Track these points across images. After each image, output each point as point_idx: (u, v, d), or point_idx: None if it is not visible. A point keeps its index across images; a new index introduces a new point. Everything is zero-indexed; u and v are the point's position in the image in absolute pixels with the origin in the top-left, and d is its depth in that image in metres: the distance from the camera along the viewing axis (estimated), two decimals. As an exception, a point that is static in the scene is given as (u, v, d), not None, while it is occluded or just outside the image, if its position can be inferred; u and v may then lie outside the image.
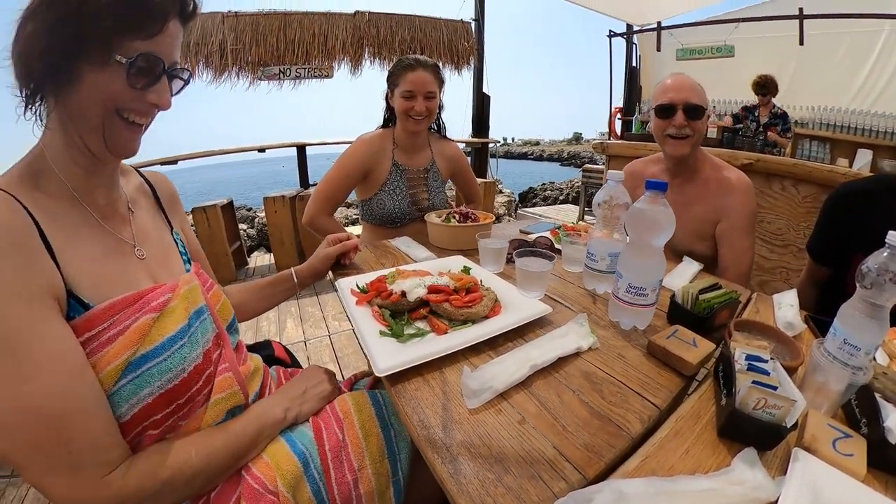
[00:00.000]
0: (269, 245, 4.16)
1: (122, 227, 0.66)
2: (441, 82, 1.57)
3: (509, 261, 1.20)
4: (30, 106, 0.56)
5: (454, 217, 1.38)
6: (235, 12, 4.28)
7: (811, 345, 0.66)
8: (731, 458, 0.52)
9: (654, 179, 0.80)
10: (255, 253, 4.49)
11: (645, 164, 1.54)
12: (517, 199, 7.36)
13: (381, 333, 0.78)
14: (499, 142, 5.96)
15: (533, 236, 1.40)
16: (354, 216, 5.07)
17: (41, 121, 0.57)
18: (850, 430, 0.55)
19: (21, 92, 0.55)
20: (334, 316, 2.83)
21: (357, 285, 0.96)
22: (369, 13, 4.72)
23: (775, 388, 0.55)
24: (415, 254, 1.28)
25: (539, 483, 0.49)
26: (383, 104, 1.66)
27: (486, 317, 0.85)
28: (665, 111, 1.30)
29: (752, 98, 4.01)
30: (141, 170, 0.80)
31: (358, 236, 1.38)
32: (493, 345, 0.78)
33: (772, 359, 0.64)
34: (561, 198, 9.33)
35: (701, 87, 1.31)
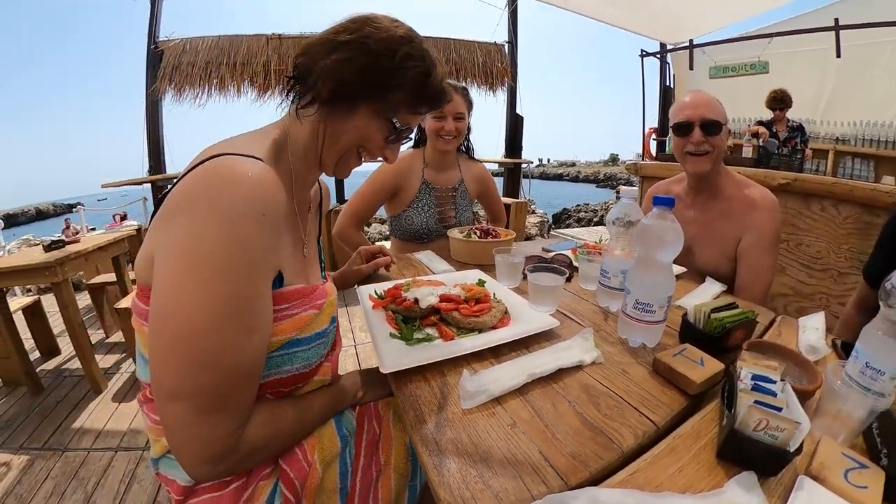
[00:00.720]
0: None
1: (303, 225, 0.74)
2: (469, 105, 1.65)
3: (525, 277, 1.22)
4: (308, 106, 0.63)
5: (475, 233, 1.42)
6: (279, 35, 4.56)
7: (826, 368, 0.63)
8: (727, 481, 0.50)
9: (662, 196, 0.81)
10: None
11: (669, 184, 1.53)
12: (550, 219, 7.32)
13: (391, 335, 0.83)
14: (532, 162, 5.99)
15: (552, 254, 1.42)
16: (388, 232, 5.21)
17: (296, 114, 0.65)
18: (866, 461, 0.51)
19: (294, 82, 0.65)
20: (361, 328, 2.90)
21: (375, 291, 1.02)
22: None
23: (780, 410, 0.52)
24: (434, 266, 1.33)
25: (519, 484, 0.51)
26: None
27: (494, 327, 0.88)
28: (682, 129, 1.29)
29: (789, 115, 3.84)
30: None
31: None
32: (497, 353, 0.80)
33: (782, 380, 0.61)
34: (595, 219, 9.19)
35: (718, 102, 1.30)
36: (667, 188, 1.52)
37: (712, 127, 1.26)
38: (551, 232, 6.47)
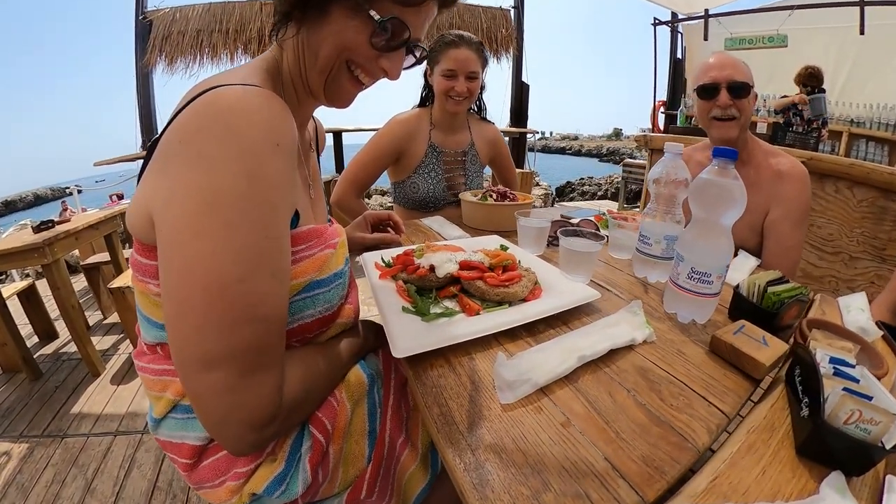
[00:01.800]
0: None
1: (306, 164, 0.69)
2: (485, 62, 1.47)
3: (551, 243, 1.08)
4: (281, 28, 0.57)
5: (491, 195, 1.27)
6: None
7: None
8: (814, 483, 0.43)
9: (724, 147, 0.68)
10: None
11: (692, 151, 1.40)
12: (554, 192, 7.12)
13: (405, 310, 0.69)
14: (538, 132, 5.77)
15: (576, 220, 1.27)
16: (389, 203, 5.05)
17: (279, 44, 0.59)
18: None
19: (275, 14, 0.57)
20: (364, 301, 2.79)
21: (382, 259, 0.88)
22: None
23: (870, 399, 0.44)
24: (447, 232, 1.19)
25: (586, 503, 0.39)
26: (422, 81, 1.58)
27: (525, 299, 0.74)
28: (708, 92, 1.18)
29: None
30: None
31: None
32: (533, 331, 0.67)
33: (858, 364, 0.53)
34: (599, 193, 8.96)
35: (745, 64, 1.19)
36: (689, 155, 1.40)
37: (740, 89, 1.15)
38: (556, 205, 6.28)
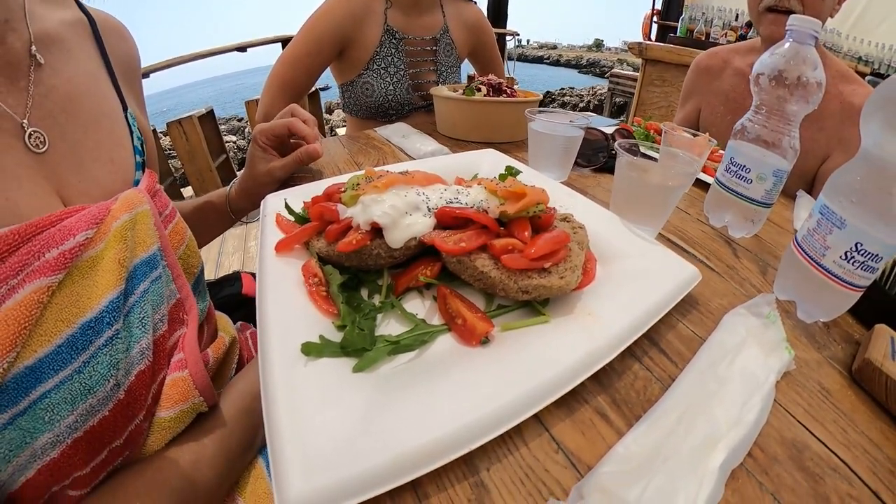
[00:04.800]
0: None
1: (3, 82, 0.35)
2: None
3: (579, 164, 0.68)
4: None
5: (479, 89, 0.81)
6: None
7: None
8: None
9: None
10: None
11: (729, 52, 1.01)
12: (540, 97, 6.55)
13: (308, 349, 0.28)
14: (518, 34, 4.98)
15: (606, 129, 0.85)
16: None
17: None
18: None
19: None
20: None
21: (287, 206, 0.45)
22: None
23: None
24: (414, 146, 0.75)
25: None
26: None
27: (575, 289, 0.35)
28: None
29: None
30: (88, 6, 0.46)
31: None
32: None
33: None
34: (581, 105, 8.40)
35: None
36: (727, 58, 0.99)
37: None
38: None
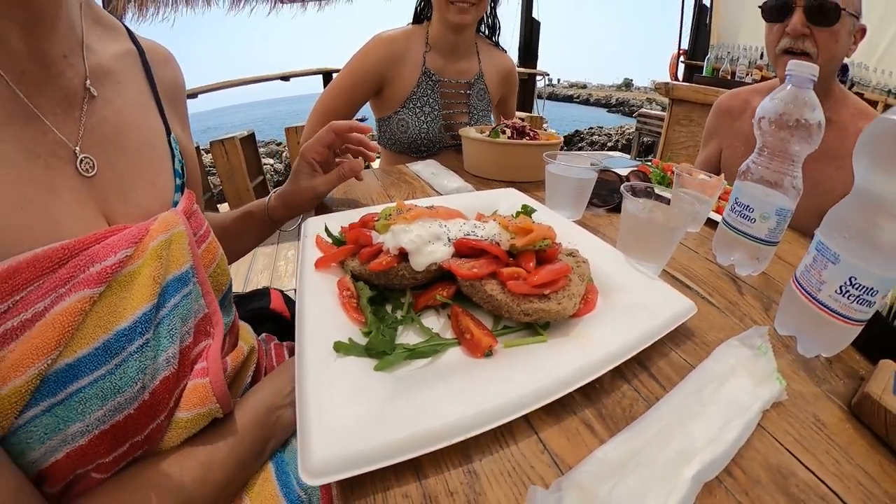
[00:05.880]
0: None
1: (60, 113, 0.38)
2: None
3: (594, 204, 0.73)
4: None
5: (503, 131, 0.89)
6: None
7: None
8: None
9: None
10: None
11: (750, 93, 1.04)
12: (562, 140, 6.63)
13: (339, 348, 0.34)
14: (548, 74, 5.14)
15: (622, 170, 0.90)
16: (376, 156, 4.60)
17: None
18: None
19: None
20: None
21: (327, 229, 0.52)
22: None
23: None
24: (441, 182, 0.82)
25: None
26: None
27: (574, 315, 0.40)
28: (776, 12, 0.85)
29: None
30: (139, 35, 0.50)
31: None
32: (584, 387, 0.34)
33: None
34: (609, 144, 8.46)
35: None
36: (746, 98, 1.03)
37: (823, 13, 0.80)
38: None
